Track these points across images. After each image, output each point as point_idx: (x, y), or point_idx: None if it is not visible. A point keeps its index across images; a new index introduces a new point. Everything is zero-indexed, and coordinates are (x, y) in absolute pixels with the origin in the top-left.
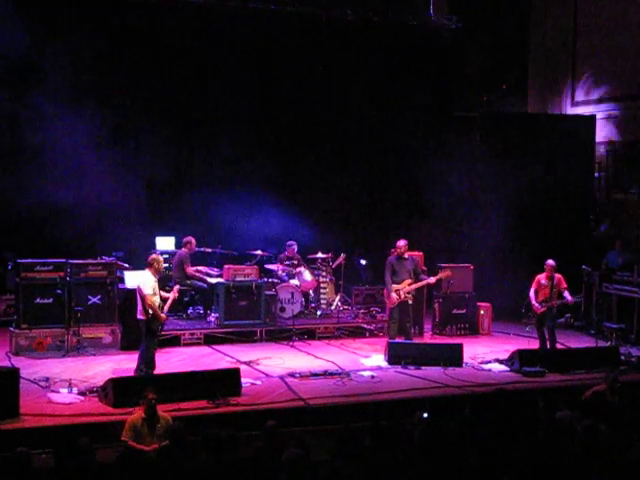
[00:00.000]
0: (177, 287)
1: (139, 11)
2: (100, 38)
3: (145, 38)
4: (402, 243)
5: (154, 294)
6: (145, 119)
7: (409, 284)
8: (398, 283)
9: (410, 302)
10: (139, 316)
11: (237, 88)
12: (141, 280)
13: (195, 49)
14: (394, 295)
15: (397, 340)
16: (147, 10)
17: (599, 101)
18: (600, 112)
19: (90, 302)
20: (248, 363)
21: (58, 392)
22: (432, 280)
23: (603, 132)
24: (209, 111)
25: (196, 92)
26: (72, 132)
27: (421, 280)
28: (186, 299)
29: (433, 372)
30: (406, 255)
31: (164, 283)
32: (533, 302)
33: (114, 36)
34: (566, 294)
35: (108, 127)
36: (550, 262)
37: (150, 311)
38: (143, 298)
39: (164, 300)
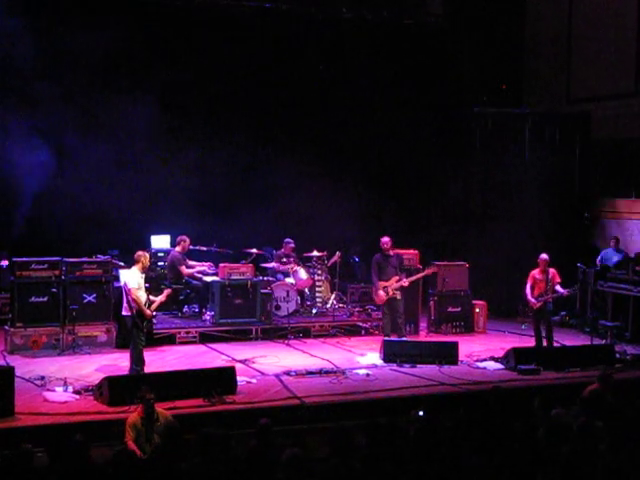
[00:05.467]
0: (167, 291)
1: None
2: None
3: (142, 37)
4: (386, 239)
5: (139, 288)
6: (140, 118)
7: (396, 280)
8: (386, 280)
9: (399, 298)
10: (124, 312)
11: (232, 85)
12: (127, 276)
13: (190, 47)
14: (381, 292)
15: (392, 338)
16: (144, 10)
17: (595, 99)
18: (595, 110)
19: (85, 300)
20: (244, 361)
21: (53, 391)
22: (421, 275)
23: (599, 129)
24: (205, 109)
25: (191, 90)
26: (68, 130)
27: (412, 275)
28: (181, 297)
29: (428, 370)
30: (391, 252)
31: (159, 282)
32: (529, 298)
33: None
34: (558, 287)
35: (103, 126)
36: (543, 256)
37: (134, 306)
38: (127, 292)
39: (152, 301)
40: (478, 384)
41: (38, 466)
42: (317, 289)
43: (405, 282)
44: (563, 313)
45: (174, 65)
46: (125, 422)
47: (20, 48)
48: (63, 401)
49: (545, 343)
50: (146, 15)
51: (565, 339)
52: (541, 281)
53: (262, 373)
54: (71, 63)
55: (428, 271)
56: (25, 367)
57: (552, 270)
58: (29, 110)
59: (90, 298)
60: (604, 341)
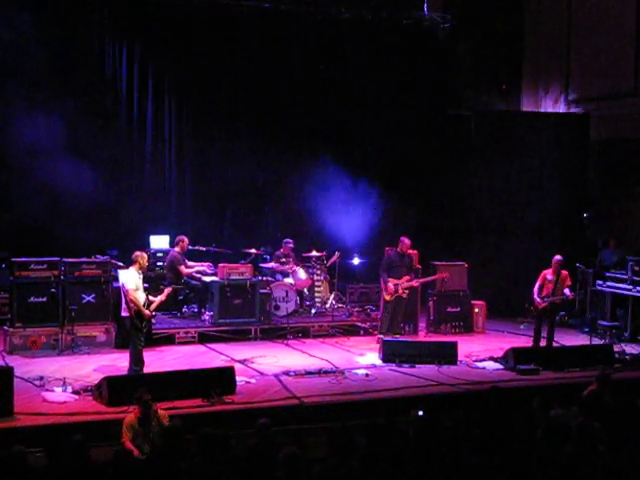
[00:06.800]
0: (168, 290)
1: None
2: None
3: (141, 37)
4: (408, 241)
5: (136, 289)
6: (139, 118)
7: (407, 280)
8: (397, 278)
9: (404, 296)
10: (123, 313)
11: (230, 84)
12: (125, 277)
13: (189, 47)
14: (391, 286)
15: (391, 338)
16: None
17: (593, 99)
18: (594, 110)
19: (84, 301)
20: (243, 361)
21: (52, 391)
22: (432, 278)
23: (597, 130)
24: (204, 109)
25: (190, 90)
26: (65, 131)
27: (425, 276)
28: (180, 297)
29: (427, 370)
30: (407, 252)
31: (158, 282)
32: (535, 297)
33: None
34: (566, 290)
35: (102, 126)
36: (557, 257)
37: (132, 306)
38: (125, 293)
39: (151, 301)
40: (477, 384)
41: (36, 466)
42: (316, 289)
43: (416, 283)
44: (562, 313)
45: (173, 65)
46: (122, 422)
47: (24, 45)
48: (62, 401)
49: (545, 343)
50: (146, 15)
51: (564, 339)
52: (550, 282)
53: (261, 373)
54: (71, 63)
55: (440, 275)
56: (24, 367)
57: (564, 272)
58: (29, 110)
59: (89, 298)
60: (603, 341)
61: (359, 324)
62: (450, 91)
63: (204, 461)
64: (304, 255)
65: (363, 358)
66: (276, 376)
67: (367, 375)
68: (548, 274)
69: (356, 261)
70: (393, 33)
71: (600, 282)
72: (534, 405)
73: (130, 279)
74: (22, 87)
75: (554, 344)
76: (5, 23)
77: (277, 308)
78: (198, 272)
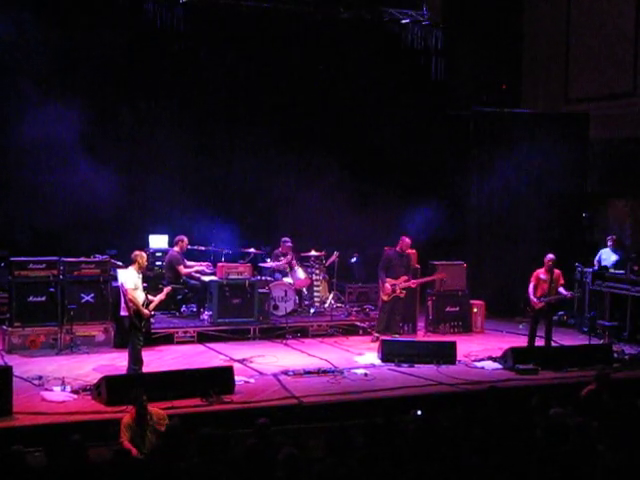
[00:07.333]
0: (167, 289)
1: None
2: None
3: (140, 37)
4: (409, 241)
5: (135, 288)
6: (138, 119)
7: (405, 280)
8: (394, 278)
9: (402, 296)
10: (122, 312)
11: (229, 85)
12: (124, 276)
13: (188, 46)
14: (388, 286)
15: (388, 337)
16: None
17: (593, 99)
18: (594, 110)
19: (83, 300)
20: (241, 361)
21: (51, 390)
22: (429, 279)
23: (596, 130)
24: (204, 109)
25: (190, 90)
26: (65, 130)
27: (424, 277)
28: (179, 297)
29: (426, 370)
30: (406, 252)
31: (157, 282)
32: (531, 297)
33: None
34: (561, 289)
35: (101, 126)
36: (550, 256)
37: (131, 306)
38: (124, 293)
39: (150, 300)
40: (476, 384)
41: (35, 466)
42: (315, 289)
43: (413, 284)
44: (561, 313)
45: (173, 65)
46: (120, 422)
47: (25, 44)
48: (61, 401)
49: (543, 343)
50: (146, 15)
51: (563, 339)
52: (545, 281)
53: (260, 373)
54: (72, 63)
55: (437, 276)
56: (23, 366)
57: (557, 271)
58: (29, 110)
59: (88, 298)
60: (602, 341)
61: (358, 324)
62: (450, 91)
63: (203, 461)
64: (303, 255)
65: (362, 358)
66: (275, 376)
67: (366, 375)
68: (541, 273)
69: (355, 261)
70: (393, 33)
71: (599, 282)
72: (533, 405)
73: (129, 278)
74: (23, 87)
75: (553, 344)
76: (6, 22)
77: (276, 308)
78: (197, 272)
